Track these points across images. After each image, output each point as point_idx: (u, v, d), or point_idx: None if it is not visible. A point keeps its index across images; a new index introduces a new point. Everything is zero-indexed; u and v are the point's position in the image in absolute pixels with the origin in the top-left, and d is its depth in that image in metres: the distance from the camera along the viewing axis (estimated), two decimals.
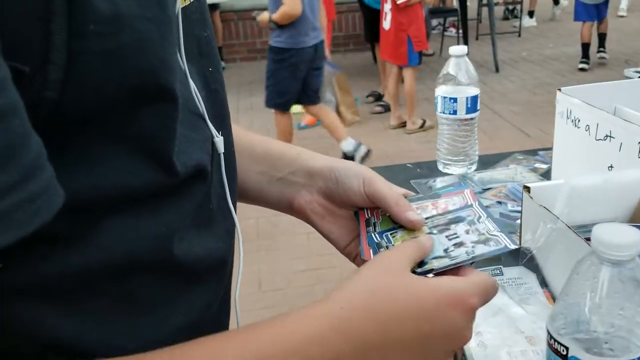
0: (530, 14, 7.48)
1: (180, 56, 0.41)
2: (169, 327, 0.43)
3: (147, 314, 0.42)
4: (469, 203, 0.54)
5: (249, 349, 0.39)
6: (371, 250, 0.51)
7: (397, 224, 0.53)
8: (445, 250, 0.48)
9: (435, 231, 0.50)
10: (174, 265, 0.42)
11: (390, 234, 0.52)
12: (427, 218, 0.53)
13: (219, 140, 0.46)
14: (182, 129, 0.40)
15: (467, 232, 0.49)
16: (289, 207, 0.61)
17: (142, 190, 0.38)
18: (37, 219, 0.30)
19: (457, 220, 0.51)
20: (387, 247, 0.50)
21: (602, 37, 5.43)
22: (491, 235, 0.48)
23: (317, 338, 0.40)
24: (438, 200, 0.56)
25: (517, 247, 0.46)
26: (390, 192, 0.54)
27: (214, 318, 0.50)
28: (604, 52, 5.47)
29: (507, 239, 0.47)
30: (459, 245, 0.48)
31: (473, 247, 0.47)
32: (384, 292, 0.42)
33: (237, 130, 0.65)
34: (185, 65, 0.41)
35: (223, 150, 0.47)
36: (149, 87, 0.35)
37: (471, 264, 0.47)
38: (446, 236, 0.49)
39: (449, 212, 0.53)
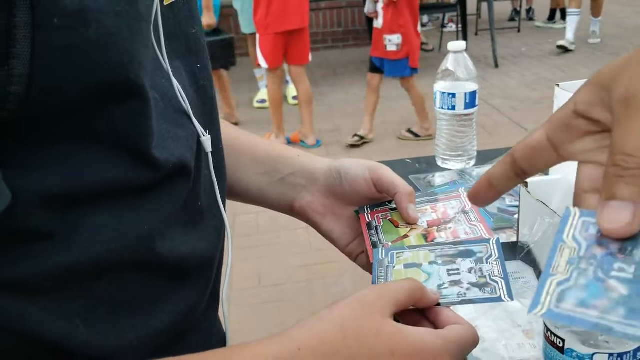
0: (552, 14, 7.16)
1: (161, 53, 0.40)
2: (154, 327, 0.43)
3: (130, 313, 0.42)
4: (485, 237, 0.52)
5: None
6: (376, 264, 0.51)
7: (399, 231, 0.53)
8: (439, 286, 0.47)
9: (439, 261, 0.49)
10: (157, 264, 0.42)
11: (396, 254, 0.51)
12: (439, 244, 0.51)
13: (207, 139, 0.46)
14: (164, 125, 0.40)
15: (469, 270, 0.48)
16: (290, 209, 0.62)
17: (120, 186, 0.38)
18: None
19: (466, 255, 0.49)
20: (387, 267, 0.50)
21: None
22: (491, 280, 0.46)
23: None
24: (437, 204, 0.56)
25: (510, 301, 0.44)
26: (397, 177, 0.55)
27: (202, 317, 0.50)
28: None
29: (505, 290, 0.45)
30: (454, 283, 0.47)
31: (467, 289, 0.46)
32: (355, 335, 0.39)
33: (237, 131, 0.65)
34: (166, 62, 0.41)
35: (211, 150, 0.46)
36: (118, 83, 0.35)
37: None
38: (447, 270, 0.48)
39: (463, 243, 0.51)
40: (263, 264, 2.57)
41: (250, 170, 0.61)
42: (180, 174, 0.42)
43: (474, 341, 0.42)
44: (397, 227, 0.56)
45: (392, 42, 3.58)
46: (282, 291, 2.39)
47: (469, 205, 0.56)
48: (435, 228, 0.55)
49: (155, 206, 0.40)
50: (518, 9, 7.28)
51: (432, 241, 0.53)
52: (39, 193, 0.34)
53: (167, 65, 0.41)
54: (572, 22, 5.67)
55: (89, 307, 0.39)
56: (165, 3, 0.42)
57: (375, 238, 0.54)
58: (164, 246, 0.41)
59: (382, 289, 0.43)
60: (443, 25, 6.78)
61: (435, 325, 0.44)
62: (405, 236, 0.54)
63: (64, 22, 0.31)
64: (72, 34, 0.32)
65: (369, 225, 0.56)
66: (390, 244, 0.54)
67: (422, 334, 0.41)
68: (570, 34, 5.67)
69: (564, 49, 5.62)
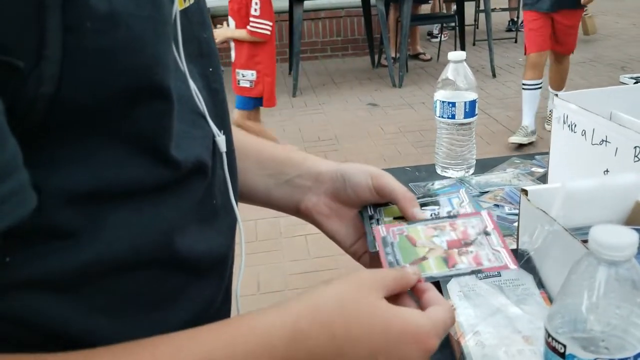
0: None
1: (179, 56, 0.42)
2: (172, 323, 0.43)
3: (150, 309, 0.43)
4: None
5: (199, 350, 0.39)
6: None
7: (417, 252, 0.52)
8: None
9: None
10: (177, 261, 0.43)
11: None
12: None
13: (221, 140, 0.47)
14: (182, 126, 0.41)
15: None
16: (296, 210, 0.63)
17: (142, 185, 0.39)
18: (5, 220, 0.30)
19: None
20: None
21: None
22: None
23: (267, 349, 0.40)
24: (456, 222, 0.55)
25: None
26: (399, 185, 0.56)
27: (216, 315, 0.50)
28: None
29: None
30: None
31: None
32: (352, 308, 0.42)
33: (243, 134, 0.66)
34: (184, 65, 0.42)
35: (225, 149, 0.48)
36: (144, 85, 0.36)
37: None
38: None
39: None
40: (262, 271, 2.57)
41: (257, 172, 0.63)
42: (197, 173, 0.44)
43: (453, 322, 0.46)
44: (415, 245, 0.53)
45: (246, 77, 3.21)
46: (281, 298, 2.38)
47: (490, 226, 0.54)
48: (457, 251, 0.52)
49: (174, 204, 0.41)
50: (515, 19, 7.34)
51: (453, 267, 0.51)
52: (64, 191, 0.34)
53: (184, 67, 0.42)
54: (529, 101, 3.67)
55: (112, 303, 0.40)
56: (180, 8, 0.43)
57: (391, 258, 0.52)
58: (183, 243, 0.43)
59: (375, 273, 0.46)
60: (434, 36, 6.82)
61: (420, 304, 0.47)
62: (424, 258, 0.52)
63: (95, 26, 0.32)
64: (102, 37, 0.33)
65: (384, 240, 0.54)
66: (408, 265, 0.51)
67: (414, 315, 0.44)
68: (528, 119, 3.65)
69: (519, 145, 3.55)
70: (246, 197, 0.64)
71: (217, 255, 0.48)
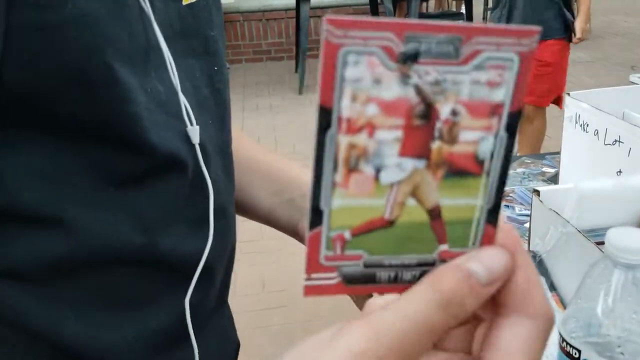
0: None
1: (159, 44, 0.40)
2: (149, 325, 0.42)
3: (128, 308, 0.41)
4: None
5: None
6: None
7: None
8: None
9: None
10: (157, 261, 0.42)
11: None
12: None
13: (194, 129, 0.44)
14: (157, 115, 0.40)
15: None
16: (293, 231, 0.61)
17: (112, 173, 0.38)
18: None
19: None
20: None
21: None
22: None
23: None
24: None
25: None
26: None
27: (208, 319, 0.49)
28: None
29: None
30: None
31: None
32: None
33: (254, 145, 0.64)
34: (169, 55, 0.40)
35: (198, 141, 0.45)
36: (95, 66, 0.34)
37: None
38: None
39: None
40: (267, 269, 2.57)
41: (262, 188, 0.61)
42: (173, 167, 0.42)
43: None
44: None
45: None
46: (287, 297, 2.38)
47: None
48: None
49: (151, 200, 0.40)
50: None
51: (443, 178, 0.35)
52: (23, 172, 0.34)
53: (169, 56, 0.40)
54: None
55: (82, 298, 0.39)
56: (184, 3, 0.42)
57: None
58: (166, 243, 0.41)
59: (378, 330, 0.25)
60: None
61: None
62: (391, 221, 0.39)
63: (39, 1, 0.31)
64: (47, 12, 0.32)
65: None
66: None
67: None
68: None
69: None
70: (249, 212, 0.62)
71: (208, 259, 0.46)
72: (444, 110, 0.24)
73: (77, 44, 0.33)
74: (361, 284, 0.26)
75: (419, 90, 0.24)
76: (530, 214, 0.84)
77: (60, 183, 0.36)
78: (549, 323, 0.23)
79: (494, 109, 0.24)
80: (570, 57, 2.95)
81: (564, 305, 0.74)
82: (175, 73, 0.41)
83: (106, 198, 0.38)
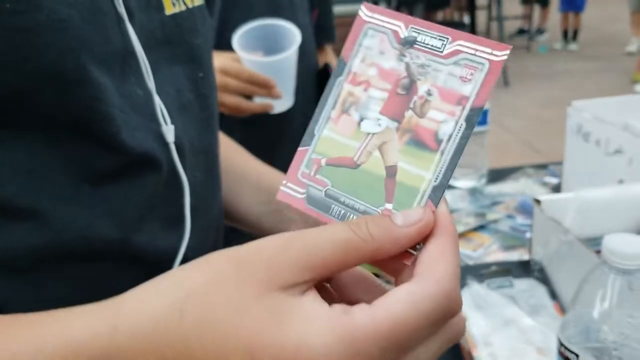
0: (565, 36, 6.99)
1: (138, 53, 0.41)
2: None
3: None
4: None
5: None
6: None
7: None
8: None
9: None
10: (133, 256, 0.42)
11: None
12: None
13: (169, 129, 0.45)
14: (132, 116, 0.41)
15: None
16: None
17: (84, 169, 0.39)
18: None
19: None
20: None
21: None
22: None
23: None
24: None
25: None
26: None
27: None
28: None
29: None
30: None
31: None
32: (195, 319, 0.26)
33: (247, 156, 0.66)
34: (144, 60, 0.42)
35: (172, 140, 0.45)
36: (69, 66, 0.36)
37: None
38: None
39: None
40: None
41: (252, 197, 0.62)
42: (147, 165, 0.43)
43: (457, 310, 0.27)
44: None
45: None
46: None
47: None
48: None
49: (125, 196, 0.41)
50: (525, 28, 7.31)
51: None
52: (0, 166, 0.35)
53: (145, 61, 0.42)
54: None
55: (60, 290, 0.40)
56: (167, 13, 0.45)
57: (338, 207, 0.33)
58: (140, 238, 0.42)
59: (284, 240, 0.29)
60: None
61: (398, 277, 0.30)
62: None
63: (14, 6, 0.33)
64: (21, 17, 0.33)
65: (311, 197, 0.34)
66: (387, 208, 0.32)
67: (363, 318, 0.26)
68: None
69: None
70: (238, 221, 0.63)
71: (186, 257, 0.47)
72: (422, 88, 0.30)
73: (53, 44, 0.35)
74: (318, 209, 0.32)
75: (408, 68, 0.31)
76: (532, 223, 0.85)
77: (37, 177, 0.37)
78: (444, 293, 0.26)
79: (460, 100, 0.30)
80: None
81: (565, 313, 0.75)
82: (151, 76, 0.43)
83: (82, 193, 0.39)
